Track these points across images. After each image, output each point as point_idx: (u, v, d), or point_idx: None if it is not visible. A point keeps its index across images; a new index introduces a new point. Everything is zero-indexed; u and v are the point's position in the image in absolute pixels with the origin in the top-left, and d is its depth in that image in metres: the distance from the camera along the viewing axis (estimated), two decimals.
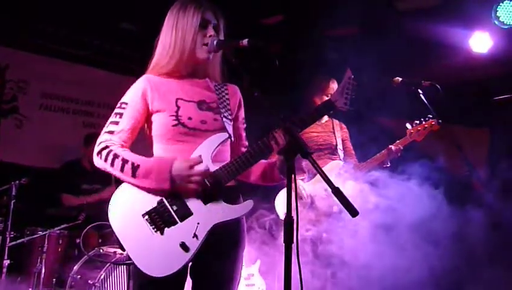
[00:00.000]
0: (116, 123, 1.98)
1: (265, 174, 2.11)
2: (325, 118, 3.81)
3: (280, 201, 3.58)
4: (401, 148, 3.53)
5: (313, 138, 3.70)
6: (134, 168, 1.87)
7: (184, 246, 1.83)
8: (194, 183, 1.86)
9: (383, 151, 3.55)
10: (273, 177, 2.08)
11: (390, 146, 3.54)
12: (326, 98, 3.34)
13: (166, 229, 1.87)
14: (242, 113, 2.20)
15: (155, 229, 1.87)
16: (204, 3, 2.05)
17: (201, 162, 1.88)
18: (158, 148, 2.02)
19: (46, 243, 3.93)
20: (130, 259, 1.85)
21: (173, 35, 2.01)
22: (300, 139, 1.70)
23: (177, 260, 1.83)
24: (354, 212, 1.58)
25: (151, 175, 1.86)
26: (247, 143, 2.21)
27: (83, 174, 4.71)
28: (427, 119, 3.50)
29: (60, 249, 4.08)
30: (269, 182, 2.12)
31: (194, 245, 1.84)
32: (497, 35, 4.16)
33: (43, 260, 3.90)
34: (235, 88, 2.18)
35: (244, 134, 2.21)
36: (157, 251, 1.84)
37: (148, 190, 1.89)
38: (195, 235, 1.85)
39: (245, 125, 2.22)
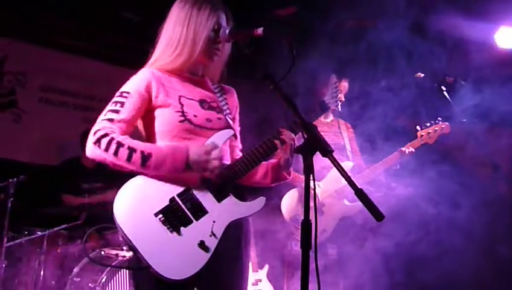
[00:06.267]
0: (117, 112, 1.85)
1: (270, 173, 2.08)
2: (330, 117, 3.79)
3: (286, 203, 3.56)
4: (413, 151, 3.45)
5: None
6: (145, 157, 1.77)
7: (203, 246, 1.79)
8: (212, 167, 1.83)
9: (394, 153, 3.48)
10: (279, 177, 2.07)
11: (402, 148, 3.46)
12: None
13: (182, 228, 1.80)
14: (238, 116, 2.20)
15: (171, 230, 1.79)
16: (219, 5, 2.00)
17: (217, 147, 1.87)
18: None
19: (44, 243, 3.83)
20: (136, 263, 1.79)
21: (184, 33, 1.93)
22: (320, 137, 1.59)
23: (197, 260, 1.78)
24: (379, 216, 1.44)
25: (165, 165, 1.79)
26: (241, 146, 2.19)
27: (83, 172, 4.57)
28: (437, 122, 3.48)
29: (59, 250, 3.99)
30: (273, 182, 2.10)
31: (212, 244, 1.81)
32: None
33: (42, 262, 3.80)
34: (232, 90, 2.19)
35: (239, 136, 2.19)
36: (176, 252, 1.77)
37: (157, 186, 1.83)
38: (212, 234, 1.82)
39: (239, 128, 2.20)
